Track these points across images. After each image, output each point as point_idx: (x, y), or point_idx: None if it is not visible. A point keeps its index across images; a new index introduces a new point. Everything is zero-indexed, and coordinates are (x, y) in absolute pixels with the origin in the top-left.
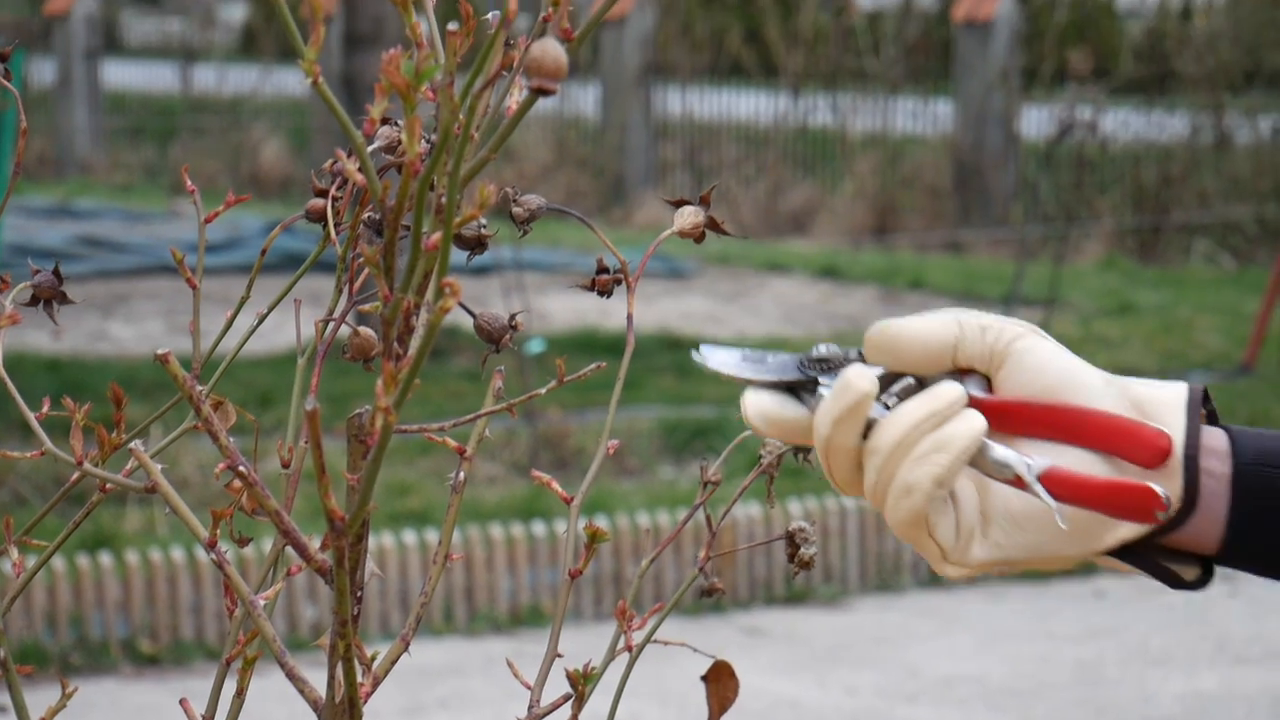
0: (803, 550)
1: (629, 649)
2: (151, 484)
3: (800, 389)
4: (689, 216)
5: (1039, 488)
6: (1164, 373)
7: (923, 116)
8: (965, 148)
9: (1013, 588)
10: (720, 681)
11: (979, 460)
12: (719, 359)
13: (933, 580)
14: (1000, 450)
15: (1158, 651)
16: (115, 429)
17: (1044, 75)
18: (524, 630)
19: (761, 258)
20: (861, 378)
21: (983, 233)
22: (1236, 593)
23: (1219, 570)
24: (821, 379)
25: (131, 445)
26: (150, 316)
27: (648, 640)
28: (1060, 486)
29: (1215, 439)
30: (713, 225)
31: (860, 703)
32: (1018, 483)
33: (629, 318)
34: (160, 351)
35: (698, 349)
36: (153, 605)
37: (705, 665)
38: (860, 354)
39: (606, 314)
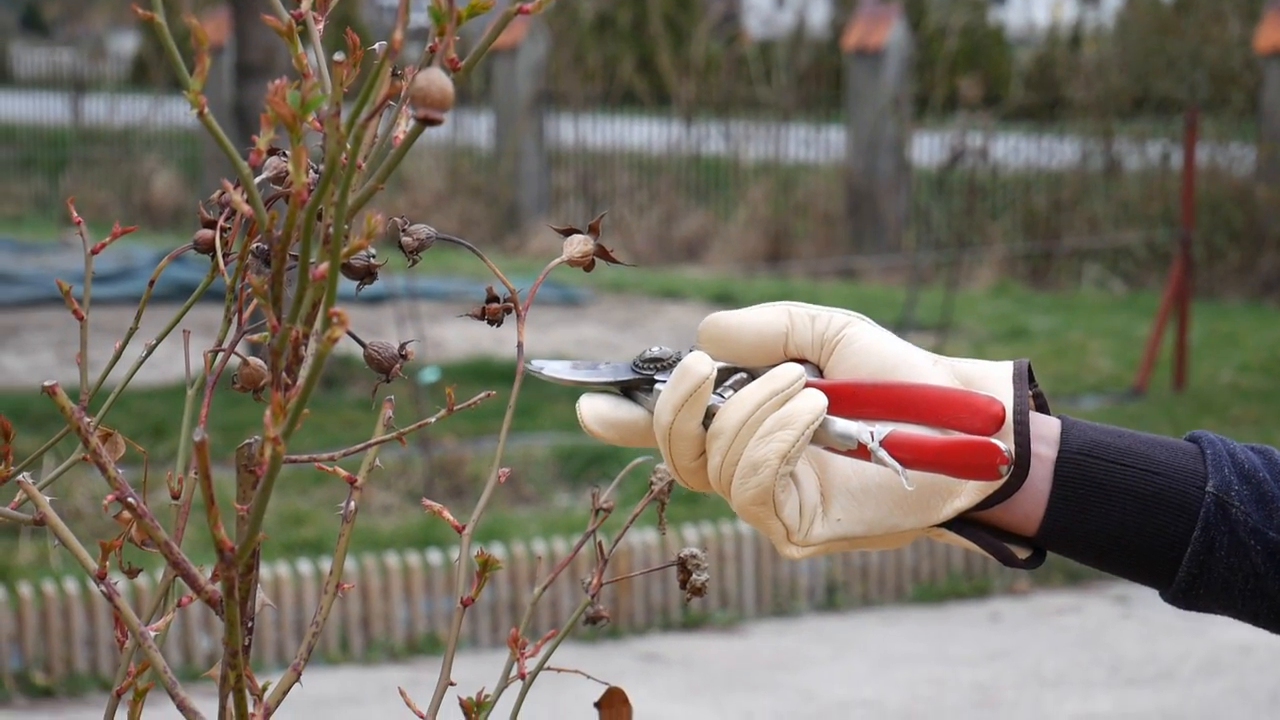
0: (694, 576)
1: (522, 677)
2: (40, 516)
3: (635, 390)
4: (578, 245)
5: (883, 453)
6: (1056, 396)
7: (815, 144)
8: (858, 175)
9: (909, 611)
10: (613, 708)
11: (822, 435)
12: (552, 367)
13: (829, 604)
14: (842, 423)
15: (1053, 674)
16: (3, 461)
17: (935, 102)
18: (420, 659)
19: (656, 285)
20: (700, 362)
21: (876, 259)
22: (1130, 614)
23: (1112, 593)
24: (657, 377)
25: (20, 477)
26: (42, 348)
27: (540, 668)
28: (903, 450)
29: (1046, 426)
30: (602, 254)
31: None
32: (861, 452)
33: (519, 346)
34: (48, 383)
35: (528, 365)
36: (46, 637)
37: (600, 692)
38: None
39: (501, 342)
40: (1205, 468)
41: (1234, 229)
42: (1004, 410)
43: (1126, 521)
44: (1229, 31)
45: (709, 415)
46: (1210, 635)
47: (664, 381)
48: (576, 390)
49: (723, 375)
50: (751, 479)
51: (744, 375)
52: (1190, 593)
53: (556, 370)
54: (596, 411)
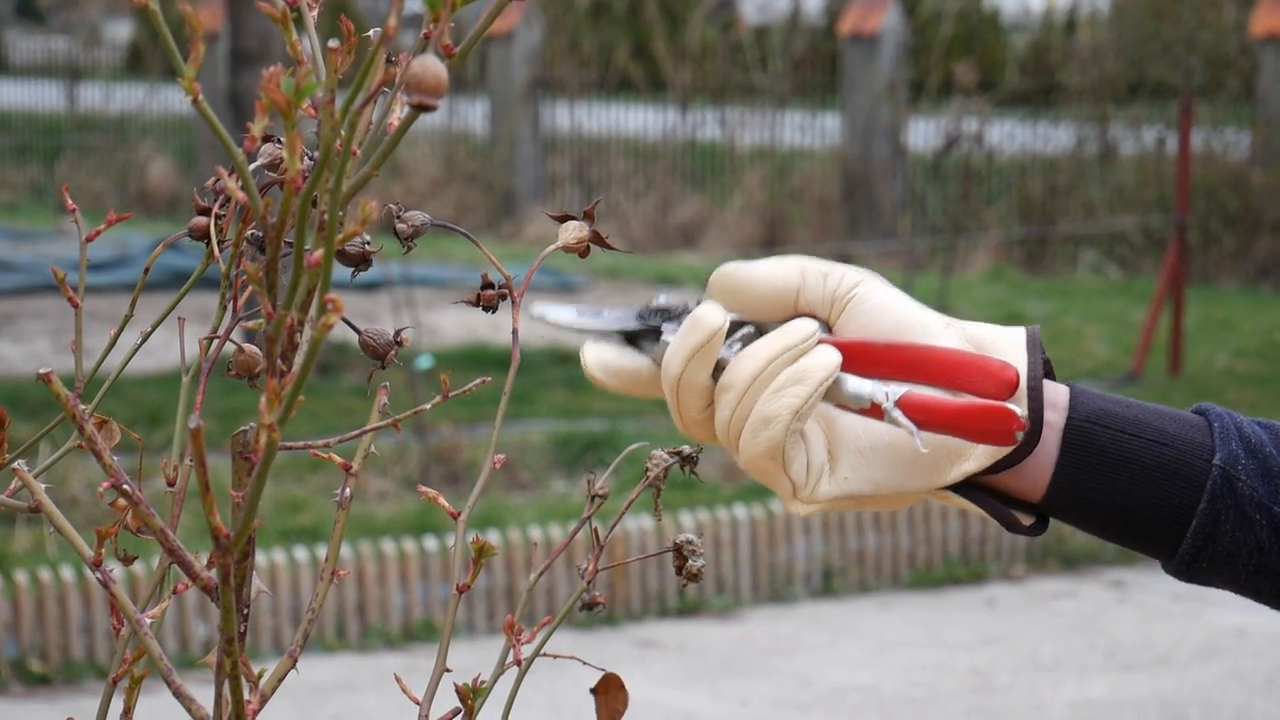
0: (690, 562)
1: (518, 663)
2: (36, 503)
3: (640, 339)
4: (573, 232)
5: (898, 413)
6: None
7: (811, 130)
8: (853, 160)
9: (905, 596)
10: (609, 694)
11: (834, 393)
12: (556, 314)
13: (825, 590)
14: (855, 381)
15: (1049, 659)
16: None
17: (930, 88)
18: (417, 645)
19: (652, 271)
20: (713, 314)
21: (871, 245)
22: (1125, 599)
23: (1108, 578)
24: (664, 326)
25: (15, 465)
26: (38, 336)
27: (536, 654)
28: (918, 411)
29: (1056, 393)
30: (597, 240)
31: (754, 713)
32: (875, 411)
33: (514, 333)
34: (43, 371)
35: (531, 311)
36: (42, 625)
37: (597, 678)
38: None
39: (497, 329)
40: (1212, 440)
41: (1229, 214)
42: (1018, 376)
43: (1132, 491)
44: (1224, 17)
45: (718, 368)
46: (1206, 619)
47: (671, 332)
48: (576, 364)
49: (730, 329)
50: (763, 433)
51: (752, 330)
52: (1193, 565)
53: (561, 316)
54: (601, 359)
